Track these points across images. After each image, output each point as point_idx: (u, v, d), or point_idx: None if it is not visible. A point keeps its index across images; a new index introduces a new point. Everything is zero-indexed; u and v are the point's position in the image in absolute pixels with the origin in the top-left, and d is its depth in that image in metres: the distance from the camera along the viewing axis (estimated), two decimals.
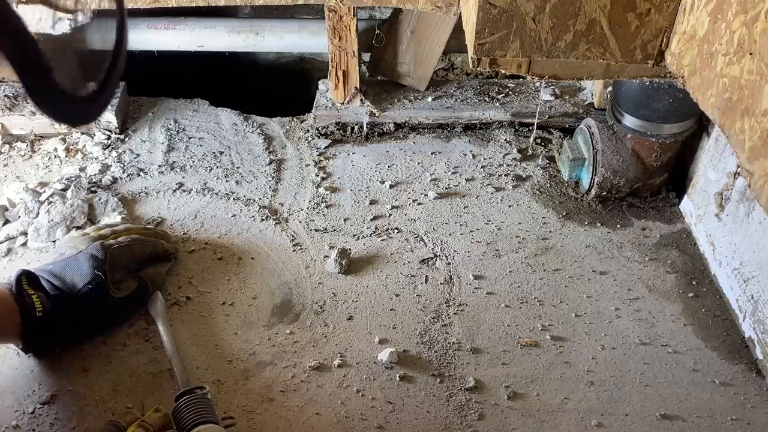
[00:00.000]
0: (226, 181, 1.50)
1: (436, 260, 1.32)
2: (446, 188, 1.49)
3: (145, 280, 1.18)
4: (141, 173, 1.51)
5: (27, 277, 1.04)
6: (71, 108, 0.52)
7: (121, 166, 1.52)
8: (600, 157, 1.40)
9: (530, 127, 1.61)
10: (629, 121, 1.37)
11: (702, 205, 1.36)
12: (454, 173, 1.53)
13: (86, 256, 1.11)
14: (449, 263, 1.31)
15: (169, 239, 1.31)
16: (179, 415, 0.95)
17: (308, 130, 1.64)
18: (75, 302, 1.06)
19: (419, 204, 1.45)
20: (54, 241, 1.31)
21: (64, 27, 0.70)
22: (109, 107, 1.60)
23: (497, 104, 1.65)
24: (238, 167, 1.54)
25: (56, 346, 1.10)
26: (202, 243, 1.34)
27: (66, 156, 1.55)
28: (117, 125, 1.61)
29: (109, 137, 1.60)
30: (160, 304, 1.16)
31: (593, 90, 1.65)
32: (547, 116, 1.62)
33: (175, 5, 1.40)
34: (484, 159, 1.57)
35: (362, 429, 1.03)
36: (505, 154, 1.58)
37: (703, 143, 1.41)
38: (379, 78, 1.72)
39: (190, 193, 1.46)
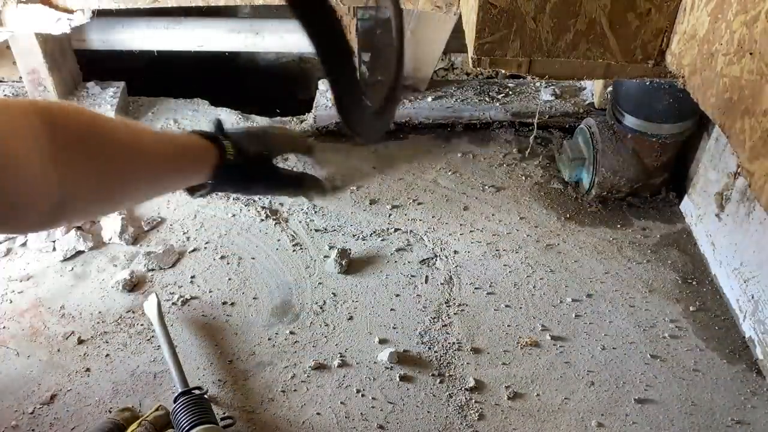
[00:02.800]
0: None
1: (436, 260, 1.32)
2: (446, 188, 1.49)
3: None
4: None
5: (218, 125, 0.93)
6: (366, 123, 0.56)
7: None
8: (600, 157, 1.40)
9: (530, 127, 1.61)
10: (629, 121, 1.37)
11: (702, 205, 1.36)
12: (454, 173, 1.53)
13: (262, 129, 0.99)
14: (449, 263, 1.31)
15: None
16: (178, 416, 0.95)
17: (308, 130, 1.64)
18: (252, 159, 0.93)
19: (419, 204, 1.45)
20: (54, 241, 1.31)
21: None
22: (109, 107, 1.60)
23: (497, 104, 1.65)
24: None
25: (234, 191, 1.02)
26: (203, 243, 1.34)
27: None
28: None
29: None
30: (156, 306, 1.16)
31: (593, 90, 1.65)
32: (547, 116, 1.62)
33: (175, 5, 1.40)
34: (484, 159, 1.57)
35: (362, 429, 1.03)
36: (506, 154, 1.58)
37: (703, 143, 1.41)
38: (379, 78, 1.72)
39: None
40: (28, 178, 0.52)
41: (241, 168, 0.87)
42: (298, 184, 0.99)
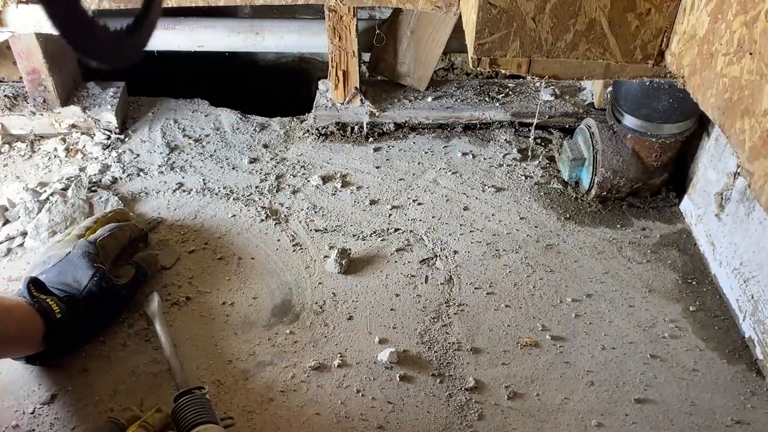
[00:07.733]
0: (226, 181, 1.50)
1: (436, 260, 1.32)
2: (446, 188, 1.49)
3: (140, 263, 1.21)
4: (141, 173, 1.51)
5: (34, 284, 1.04)
6: (98, 39, 0.44)
7: (121, 166, 1.52)
8: (600, 157, 1.40)
9: (530, 127, 1.61)
10: (629, 121, 1.37)
11: (702, 205, 1.36)
12: (454, 173, 1.53)
13: (78, 254, 1.11)
14: (449, 263, 1.31)
15: (129, 217, 1.33)
16: (178, 416, 0.95)
17: (308, 130, 1.64)
18: (86, 299, 1.06)
19: (419, 204, 1.45)
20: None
21: None
22: (109, 107, 1.60)
23: (497, 104, 1.65)
24: (238, 167, 1.54)
25: (79, 346, 1.11)
26: (202, 243, 1.34)
27: (66, 156, 1.55)
28: (117, 125, 1.61)
29: (108, 137, 1.60)
30: (157, 305, 1.16)
31: (593, 90, 1.65)
32: (547, 116, 1.62)
33: (175, 5, 1.40)
34: (484, 159, 1.57)
35: (362, 429, 1.03)
36: (505, 154, 1.58)
37: (703, 143, 1.41)
38: (379, 78, 1.72)
39: (189, 193, 1.46)
40: None
41: (76, 317, 0.95)
42: (144, 276, 1.10)
